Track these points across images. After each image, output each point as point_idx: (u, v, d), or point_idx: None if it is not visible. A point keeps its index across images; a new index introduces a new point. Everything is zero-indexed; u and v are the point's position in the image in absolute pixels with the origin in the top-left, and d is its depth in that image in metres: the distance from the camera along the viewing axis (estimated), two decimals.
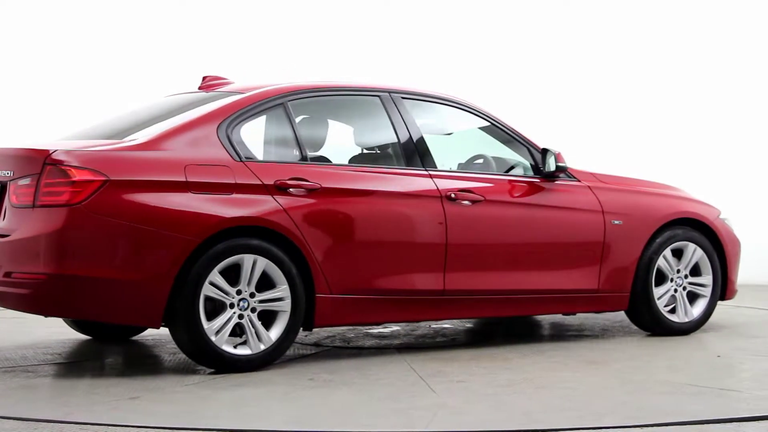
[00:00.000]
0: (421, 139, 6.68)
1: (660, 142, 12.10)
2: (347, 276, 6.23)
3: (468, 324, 8.16)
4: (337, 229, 6.22)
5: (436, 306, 6.57)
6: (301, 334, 7.41)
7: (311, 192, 6.14)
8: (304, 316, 6.13)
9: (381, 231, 6.36)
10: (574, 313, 7.61)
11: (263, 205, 5.97)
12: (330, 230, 6.18)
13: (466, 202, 6.60)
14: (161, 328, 5.85)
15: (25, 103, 11.93)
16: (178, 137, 5.95)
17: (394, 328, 7.87)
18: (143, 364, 6.49)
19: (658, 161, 11.59)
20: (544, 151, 6.98)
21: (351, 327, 7.81)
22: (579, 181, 7.16)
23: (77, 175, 5.55)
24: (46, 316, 5.79)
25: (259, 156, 6.20)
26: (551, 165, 6.93)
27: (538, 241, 6.93)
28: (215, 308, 5.87)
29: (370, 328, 7.80)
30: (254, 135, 6.32)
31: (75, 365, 6.32)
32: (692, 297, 7.54)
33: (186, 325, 5.76)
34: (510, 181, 6.94)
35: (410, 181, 6.51)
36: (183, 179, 5.79)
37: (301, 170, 6.18)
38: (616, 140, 12.07)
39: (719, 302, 7.71)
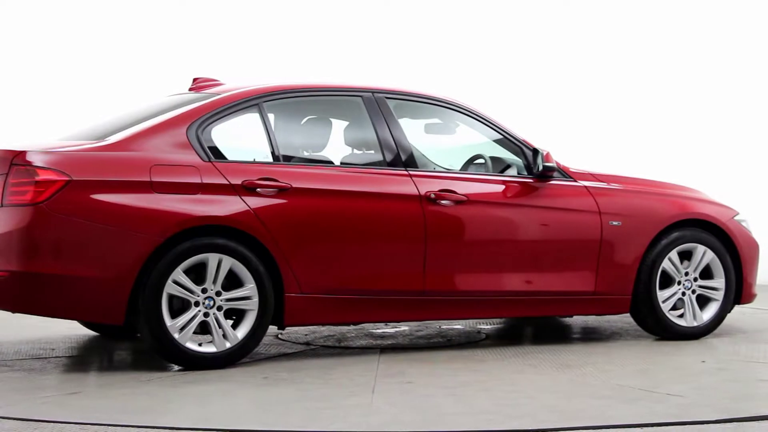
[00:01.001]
0: (404, 140, 6.65)
1: (686, 144, 11.82)
2: (319, 275, 6.25)
3: (497, 323, 8.06)
4: (308, 229, 6.25)
5: (416, 306, 6.53)
6: (298, 333, 7.48)
7: (282, 192, 6.19)
8: (273, 315, 6.17)
9: (354, 231, 6.37)
10: (571, 316, 7.47)
11: (229, 205, 6.05)
12: (300, 230, 6.22)
13: (447, 203, 6.55)
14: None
15: (25, 103, 12.06)
16: (147, 138, 6.08)
17: (403, 327, 7.85)
18: (120, 358, 6.63)
19: (682, 163, 11.30)
20: (535, 151, 6.87)
21: (356, 327, 7.82)
22: (575, 181, 7.02)
23: (41, 175, 5.73)
24: (12, 312, 5.99)
25: (231, 156, 6.27)
26: (539, 165, 6.81)
27: (527, 242, 6.82)
28: (184, 306, 5.97)
29: (375, 327, 7.80)
30: (229, 136, 6.39)
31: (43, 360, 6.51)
32: (705, 301, 7.30)
33: (148, 322, 5.87)
34: (499, 181, 6.85)
35: (387, 182, 6.50)
36: (147, 179, 5.91)
37: (271, 171, 6.23)
38: (641, 142, 11.83)
39: (737, 306, 7.45)
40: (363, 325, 7.88)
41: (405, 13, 12.52)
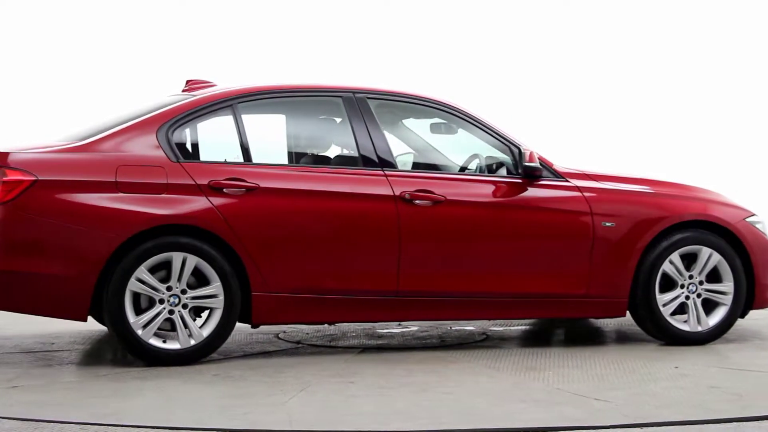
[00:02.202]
0: (382, 140, 6.62)
1: (709, 145, 11.54)
2: (288, 275, 6.30)
3: (524, 325, 7.94)
4: (276, 228, 6.30)
5: (390, 307, 6.50)
6: (297, 331, 7.53)
7: (249, 192, 6.26)
8: (240, 313, 6.25)
9: (325, 231, 6.39)
10: (565, 318, 7.31)
11: (194, 205, 6.15)
12: (268, 230, 6.28)
13: (423, 203, 6.49)
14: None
15: (21, 106, 12.22)
16: (116, 139, 6.24)
17: (413, 328, 7.82)
18: (89, 355, 6.81)
19: (705, 163, 10.91)
20: (519, 151, 6.75)
21: (363, 326, 7.83)
22: (567, 180, 6.85)
23: (9, 175, 5.95)
24: None
25: (202, 157, 6.38)
26: (521, 165, 6.69)
27: (509, 243, 6.69)
28: (151, 303, 6.11)
29: (385, 327, 7.79)
30: (201, 137, 6.51)
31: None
32: (713, 305, 7.03)
33: (112, 319, 6.04)
34: (481, 181, 6.76)
35: (360, 181, 6.48)
36: (113, 179, 6.07)
37: (239, 171, 6.31)
38: (660, 142, 11.52)
39: (751, 311, 7.16)
40: (372, 324, 7.88)
41: (404, 14, 12.49)
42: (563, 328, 7.94)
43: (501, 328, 7.88)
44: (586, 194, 6.83)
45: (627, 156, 10.84)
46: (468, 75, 11.98)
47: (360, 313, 6.54)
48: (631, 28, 12.03)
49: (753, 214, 7.21)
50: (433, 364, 6.25)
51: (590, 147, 10.14)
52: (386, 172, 6.55)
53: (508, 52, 12.23)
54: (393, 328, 7.81)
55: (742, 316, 7.17)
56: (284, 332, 7.58)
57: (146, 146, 6.24)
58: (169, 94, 7.12)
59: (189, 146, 6.40)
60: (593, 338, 7.45)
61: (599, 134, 11.45)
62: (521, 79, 12.05)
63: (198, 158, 6.34)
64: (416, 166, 7.02)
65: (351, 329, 7.76)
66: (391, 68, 11.89)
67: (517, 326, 8.00)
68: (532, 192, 6.75)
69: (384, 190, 6.48)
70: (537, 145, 7.03)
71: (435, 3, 12.57)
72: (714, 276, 7.03)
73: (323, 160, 6.80)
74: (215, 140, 6.59)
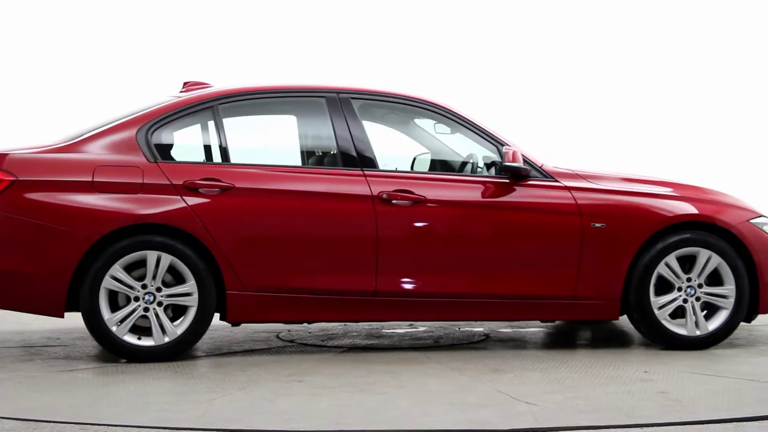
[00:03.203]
0: (363, 140, 6.62)
1: (717, 144, 11.20)
2: (264, 274, 6.36)
3: (542, 327, 7.85)
4: (251, 228, 6.37)
5: (367, 307, 6.49)
6: (298, 330, 7.59)
7: (225, 192, 6.34)
8: (214, 311, 6.35)
9: (300, 230, 6.42)
10: (553, 321, 7.17)
11: (168, 204, 6.28)
12: (243, 229, 6.35)
13: (402, 203, 6.47)
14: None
15: (26, 107, 12.37)
16: (97, 140, 6.42)
17: (422, 328, 7.79)
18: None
19: (713, 163, 10.53)
20: (500, 151, 6.66)
21: (370, 326, 7.83)
22: (557, 180, 6.72)
23: None
24: None
25: (180, 158, 6.50)
26: (500, 164, 6.60)
27: (492, 243, 6.60)
28: (128, 301, 6.27)
29: (390, 327, 7.77)
30: (181, 138, 6.63)
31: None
32: (715, 310, 6.81)
33: (87, 315, 6.21)
34: (464, 181, 6.71)
35: (338, 181, 6.50)
36: (89, 180, 6.24)
37: (216, 171, 6.40)
38: (666, 141, 11.19)
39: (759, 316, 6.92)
40: (380, 324, 7.88)
41: (404, 15, 12.37)
42: (589, 330, 7.78)
43: (510, 330, 7.77)
44: (576, 194, 6.69)
45: (632, 156, 10.59)
46: (467, 75, 11.93)
47: (337, 313, 6.55)
48: (632, 28, 11.84)
49: (759, 215, 6.94)
50: (400, 364, 6.21)
51: (594, 147, 9.97)
52: (366, 171, 6.54)
53: (508, 52, 12.14)
54: (398, 328, 7.78)
55: (749, 321, 6.93)
56: (288, 331, 7.64)
57: (125, 147, 6.39)
58: (168, 95, 7.26)
59: (168, 147, 6.52)
60: (602, 342, 7.29)
61: (603, 134, 11.28)
62: (525, 78, 11.94)
63: (175, 159, 6.44)
64: (433, 165, 7.02)
65: (353, 329, 7.77)
66: (391, 69, 11.91)
67: (534, 328, 7.87)
68: (518, 192, 6.65)
69: (361, 190, 6.47)
70: (538, 145, 6.96)
71: (435, 3, 12.47)
72: (717, 279, 6.80)
73: (303, 160, 6.83)
74: (195, 141, 6.69)
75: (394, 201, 6.48)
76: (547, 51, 12.14)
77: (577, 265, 6.64)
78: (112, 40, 12.81)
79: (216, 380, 5.66)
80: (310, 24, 12.79)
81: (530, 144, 7.11)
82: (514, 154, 6.57)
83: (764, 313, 6.89)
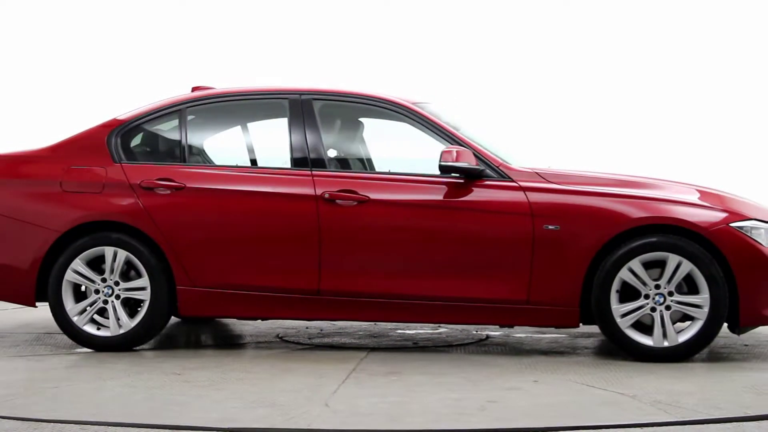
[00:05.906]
0: (317, 141, 6.71)
1: (714, 144, 10.49)
2: (211, 271, 6.64)
3: (556, 333, 7.62)
4: (199, 226, 6.67)
5: (311, 305, 6.59)
6: (297, 328, 7.73)
7: (176, 191, 6.67)
8: (167, 306, 6.68)
9: (246, 230, 6.63)
10: (511, 326, 6.90)
11: (124, 203, 6.70)
12: (191, 227, 6.66)
13: (345, 203, 6.52)
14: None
15: (29, 109, 12.62)
16: (71, 144, 6.97)
17: (421, 330, 7.74)
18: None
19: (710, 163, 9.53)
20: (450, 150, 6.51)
21: (378, 327, 7.86)
22: (512, 180, 6.50)
23: None
24: None
25: (144, 159, 6.88)
26: (439, 164, 6.47)
27: (437, 244, 6.48)
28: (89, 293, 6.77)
29: (398, 327, 7.77)
30: (149, 141, 7.01)
31: None
32: (690, 319, 6.37)
33: (52, 306, 6.75)
34: (413, 181, 6.62)
35: (284, 182, 6.64)
36: (58, 180, 6.77)
37: (170, 171, 6.74)
38: (663, 140, 10.55)
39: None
40: (389, 325, 7.88)
41: (407, 17, 11.92)
42: (598, 339, 7.42)
43: (524, 335, 7.55)
44: (530, 195, 6.44)
45: (631, 156, 9.90)
46: (467, 75, 11.49)
47: (283, 311, 6.68)
48: (631, 28, 11.20)
49: (744, 218, 6.36)
50: (351, 363, 6.25)
51: (594, 147, 9.42)
52: (314, 172, 6.64)
53: (508, 52, 11.67)
54: (405, 329, 7.76)
55: (738, 333, 6.42)
56: (293, 329, 7.80)
57: (95, 149, 6.86)
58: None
59: (136, 150, 6.90)
60: (572, 349, 6.98)
61: (600, 133, 10.60)
62: (525, 78, 11.43)
63: (137, 160, 6.82)
64: (393, 165, 7.04)
65: (356, 329, 7.81)
66: (393, 70, 11.69)
67: (543, 334, 7.60)
68: (469, 192, 6.50)
69: (305, 190, 6.58)
70: (537, 146, 6.76)
71: (435, 3, 12.08)
72: (691, 288, 6.33)
73: (256, 161, 7.02)
74: (161, 144, 7.03)
75: (338, 201, 6.53)
76: (547, 51, 11.82)
77: (530, 268, 6.40)
78: (123, 45, 13.13)
79: (170, 377, 5.85)
80: (318, 27, 12.86)
81: (529, 144, 6.92)
82: (458, 153, 6.42)
83: (745, 326, 6.34)
